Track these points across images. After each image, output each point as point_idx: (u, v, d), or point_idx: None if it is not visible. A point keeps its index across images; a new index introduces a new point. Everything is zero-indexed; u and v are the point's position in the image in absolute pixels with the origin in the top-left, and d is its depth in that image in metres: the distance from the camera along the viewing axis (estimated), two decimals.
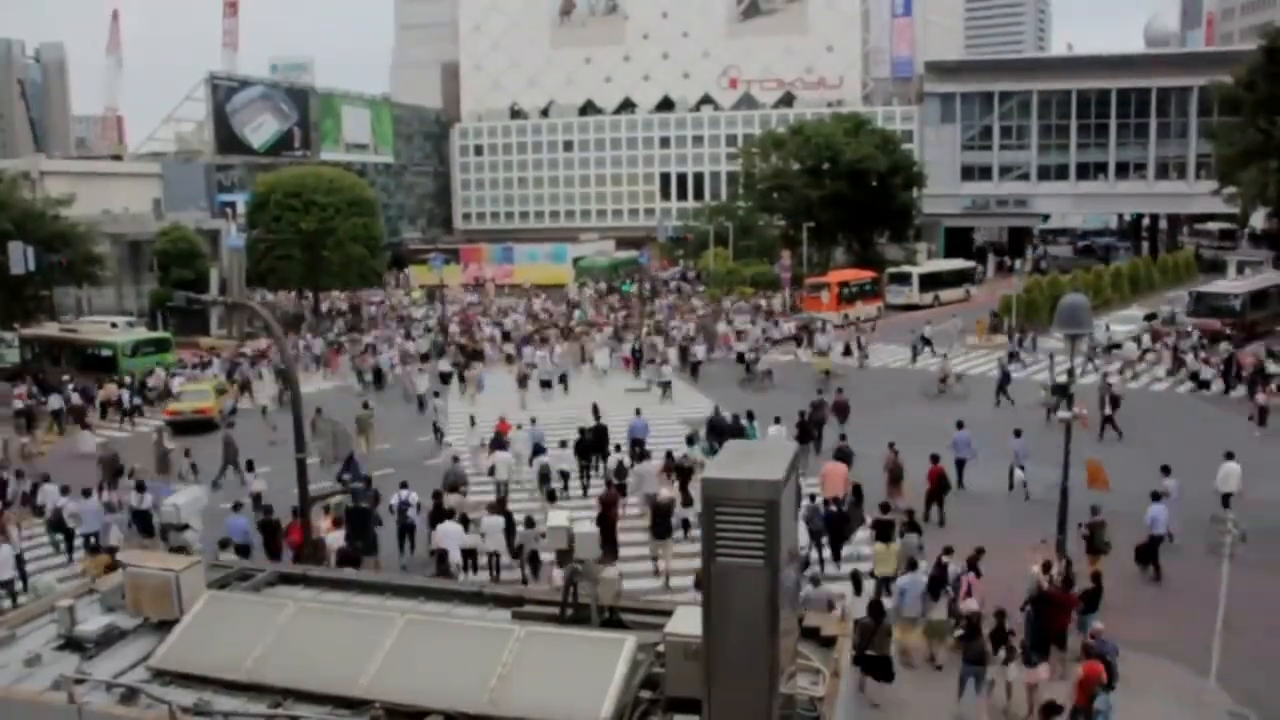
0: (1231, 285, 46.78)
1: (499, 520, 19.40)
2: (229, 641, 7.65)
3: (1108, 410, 28.90)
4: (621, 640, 7.26)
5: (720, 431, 25.32)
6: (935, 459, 22.14)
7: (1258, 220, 71.11)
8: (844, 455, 23.00)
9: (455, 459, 24.22)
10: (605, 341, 45.61)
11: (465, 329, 51.98)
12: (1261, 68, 48.44)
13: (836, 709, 7.09)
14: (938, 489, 21.63)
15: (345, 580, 9.67)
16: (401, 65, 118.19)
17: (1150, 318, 45.90)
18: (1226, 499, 20.01)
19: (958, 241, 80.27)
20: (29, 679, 7.63)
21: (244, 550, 19.08)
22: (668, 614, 7.52)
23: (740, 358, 41.38)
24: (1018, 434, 24.20)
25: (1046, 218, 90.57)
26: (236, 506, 20.62)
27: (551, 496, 21.44)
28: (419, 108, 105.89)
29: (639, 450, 24.99)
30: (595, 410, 27.50)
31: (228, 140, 79.94)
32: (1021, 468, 23.41)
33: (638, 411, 28.15)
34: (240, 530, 19.76)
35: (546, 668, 7.09)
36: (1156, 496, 19.00)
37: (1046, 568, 16.08)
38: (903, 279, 60.11)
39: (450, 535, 18.88)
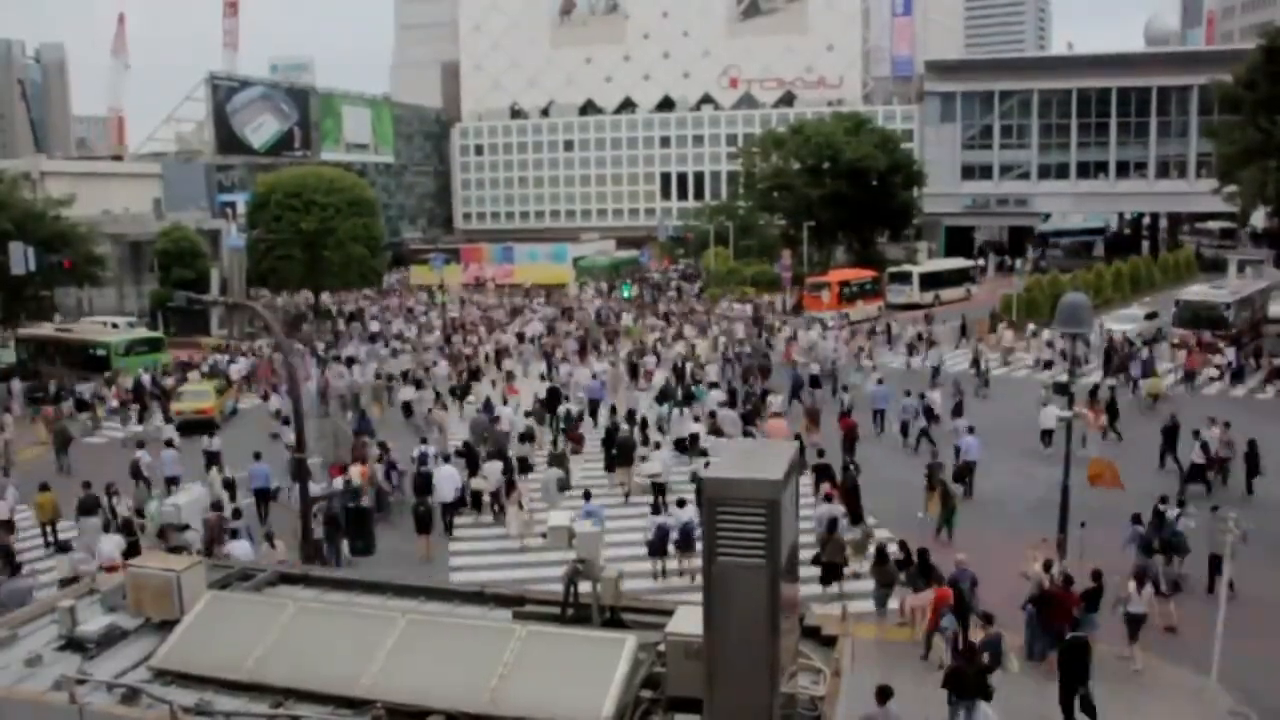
0: (1219, 292, 44.14)
1: (498, 464, 23.43)
2: (230, 641, 7.65)
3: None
4: (622, 640, 7.27)
5: (668, 396, 31.25)
6: (848, 413, 27.58)
7: (1258, 219, 71.03)
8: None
9: (479, 410, 29.25)
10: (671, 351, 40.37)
11: (469, 341, 45.96)
12: (1261, 67, 48.28)
13: (837, 708, 7.09)
14: (850, 437, 26.12)
15: (346, 580, 9.68)
16: (401, 65, 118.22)
17: (1151, 316, 45.76)
18: (1045, 435, 26.39)
19: (958, 241, 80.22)
20: (30, 679, 7.63)
21: (264, 493, 22.90)
22: (669, 613, 7.53)
23: (815, 381, 33.71)
24: (907, 393, 29.39)
25: (1047, 216, 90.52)
26: (257, 455, 23.88)
27: (528, 438, 26.82)
28: (419, 108, 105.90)
29: (595, 408, 31.21)
30: (549, 374, 36.46)
31: (228, 140, 79.94)
32: (905, 423, 28.18)
33: (593, 375, 34.03)
34: (263, 476, 23.13)
35: (547, 667, 7.09)
36: (971, 430, 24.67)
37: (1048, 566, 16.10)
38: (903, 278, 60.05)
39: (447, 477, 22.60)
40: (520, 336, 46.90)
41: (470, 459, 24.61)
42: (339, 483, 21.89)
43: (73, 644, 8.09)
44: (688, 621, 6.88)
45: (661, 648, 7.23)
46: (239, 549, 17.98)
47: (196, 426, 31.06)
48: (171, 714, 6.85)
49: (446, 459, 24.02)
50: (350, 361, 39.94)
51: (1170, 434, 25.21)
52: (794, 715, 6.77)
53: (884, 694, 11.56)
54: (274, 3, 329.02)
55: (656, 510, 21.00)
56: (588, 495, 20.31)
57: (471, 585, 9.54)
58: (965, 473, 23.65)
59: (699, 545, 19.39)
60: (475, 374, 38.27)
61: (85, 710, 7.05)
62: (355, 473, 22.45)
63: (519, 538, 21.15)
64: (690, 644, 6.66)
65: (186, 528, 19.28)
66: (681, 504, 19.94)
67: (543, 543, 18.27)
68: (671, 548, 19.23)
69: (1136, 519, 18.19)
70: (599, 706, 6.67)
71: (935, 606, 15.39)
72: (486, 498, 23.38)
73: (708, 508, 6.21)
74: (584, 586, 8.36)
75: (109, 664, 7.80)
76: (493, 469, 23.37)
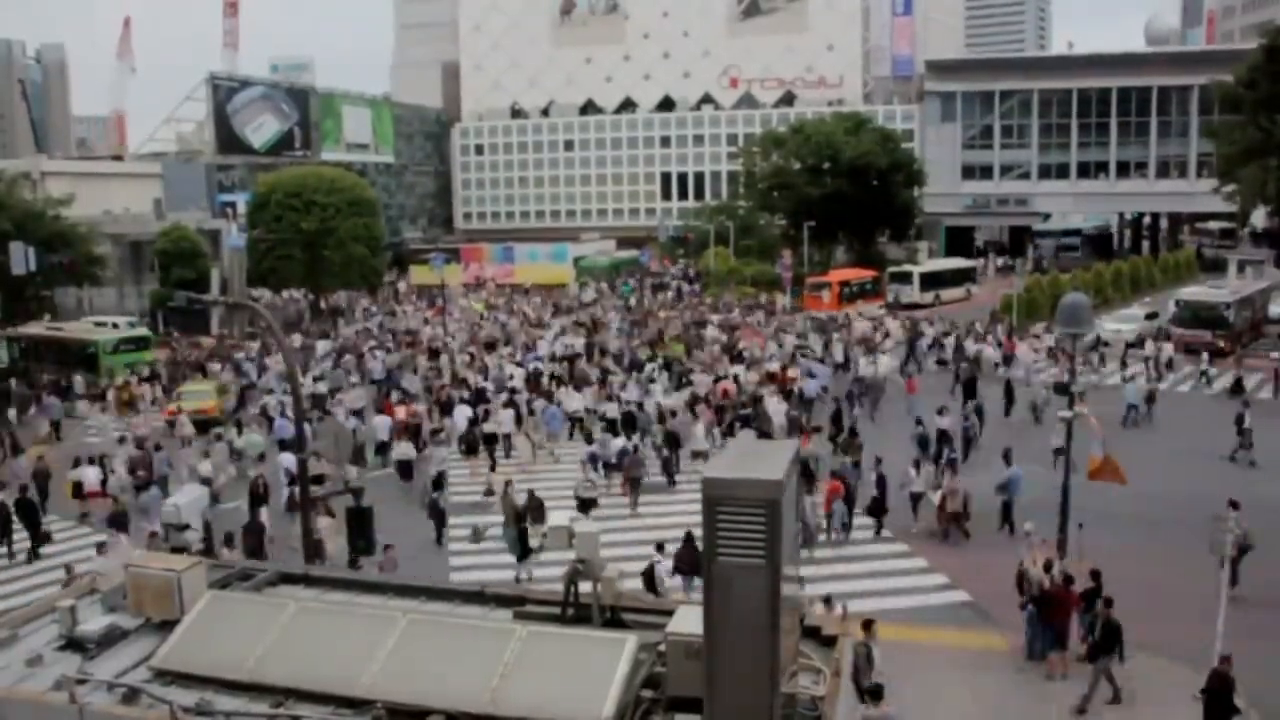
0: (1218, 292, 44.01)
1: (510, 412, 29.42)
2: (231, 641, 7.64)
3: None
4: (623, 640, 7.26)
5: (637, 368, 36.91)
6: (785, 371, 34.75)
7: (1258, 219, 71.11)
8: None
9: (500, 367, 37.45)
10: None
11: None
12: (1262, 66, 48.39)
13: (838, 708, 7.09)
14: (786, 393, 31.81)
15: (347, 580, 9.66)
16: (401, 65, 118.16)
17: (1151, 316, 45.72)
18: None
19: (958, 240, 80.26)
20: (31, 679, 7.63)
21: (289, 444, 24.97)
22: (669, 613, 7.52)
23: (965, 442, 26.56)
24: (808, 357, 36.86)
25: (1047, 216, 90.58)
26: (283, 412, 29.45)
27: (513, 392, 32.86)
28: (419, 107, 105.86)
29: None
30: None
31: (228, 140, 79.95)
32: (811, 376, 33.81)
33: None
34: (284, 428, 27.29)
35: (548, 667, 7.08)
36: (811, 375, 33.18)
37: (1048, 566, 16.10)
38: (904, 278, 60.06)
39: (462, 414, 29.26)
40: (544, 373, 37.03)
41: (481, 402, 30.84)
42: (380, 421, 28.60)
43: (73, 644, 8.08)
44: (688, 621, 6.88)
45: (662, 648, 7.23)
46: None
47: (196, 426, 31.14)
48: (172, 714, 6.85)
49: (465, 401, 30.53)
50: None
51: (970, 385, 31.11)
52: (794, 715, 6.76)
53: (876, 693, 11.50)
54: (274, 3, 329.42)
55: (589, 440, 27.26)
56: (549, 397, 30.87)
57: (471, 585, 9.53)
58: (807, 407, 30.31)
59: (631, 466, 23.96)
60: (446, 407, 31.36)
61: (85, 710, 7.05)
62: (403, 412, 29.48)
63: (529, 463, 26.86)
64: (691, 644, 6.65)
65: (187, 527, 19.25)
66: (614, 434, 26.34)
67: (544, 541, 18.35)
68: (602, 470, 25.00)
69: (919, 421, 25.07)
70: (599, 707, 6.67)
71: (829, 495, 21.56)
72: (501, 439, 28.35)
73: (707, 507, 6.21)
74: (584, 586, 8.34)
75: (109, 664, 7.79)
76: (506, 415, 29.06)
